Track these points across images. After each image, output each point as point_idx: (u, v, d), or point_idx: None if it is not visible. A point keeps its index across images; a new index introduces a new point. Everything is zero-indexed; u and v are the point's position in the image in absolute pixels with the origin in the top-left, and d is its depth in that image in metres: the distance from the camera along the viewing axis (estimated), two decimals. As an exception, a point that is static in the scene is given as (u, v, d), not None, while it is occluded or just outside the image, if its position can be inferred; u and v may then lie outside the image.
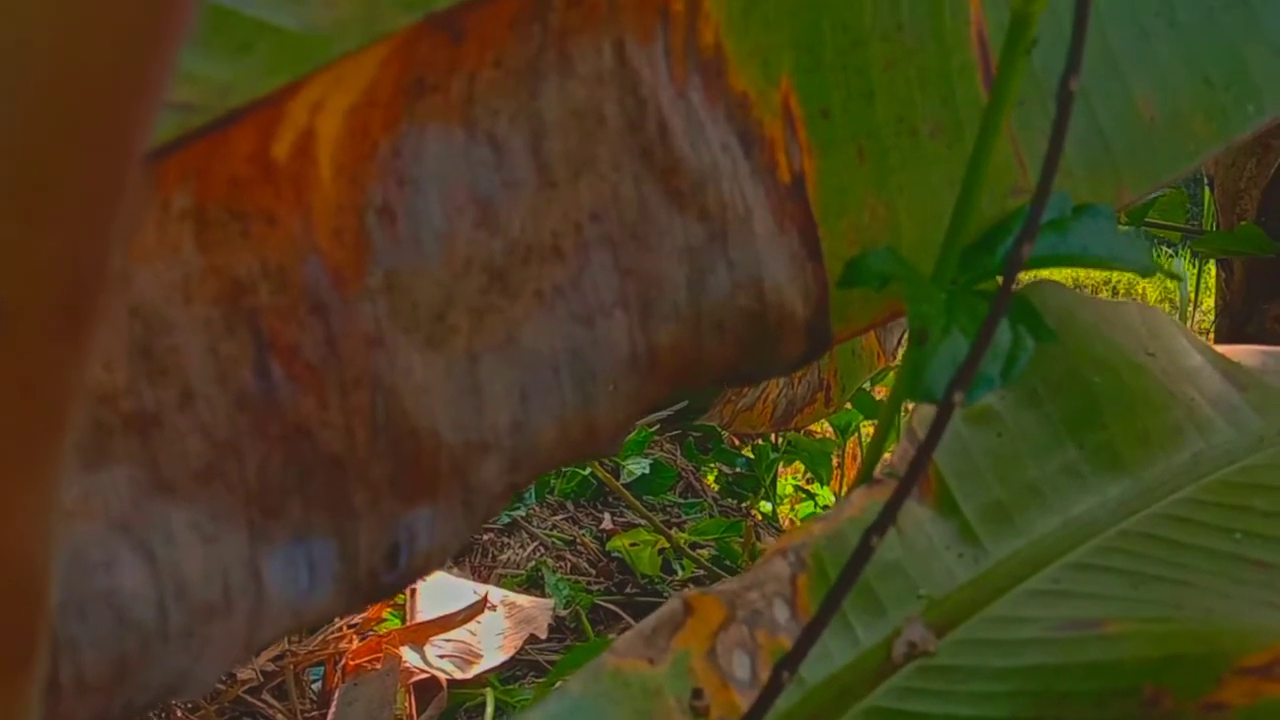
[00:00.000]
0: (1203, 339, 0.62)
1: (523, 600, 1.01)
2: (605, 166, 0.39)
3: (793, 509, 2.05)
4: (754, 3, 0.42)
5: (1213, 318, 1.55)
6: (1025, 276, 0.46)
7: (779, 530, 1.79)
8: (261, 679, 0.94)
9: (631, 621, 1.25)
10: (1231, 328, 1.46)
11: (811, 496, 1.87)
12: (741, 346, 0.41)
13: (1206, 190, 1.50)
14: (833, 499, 1.88)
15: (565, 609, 1.24)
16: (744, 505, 1.82)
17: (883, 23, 0.45)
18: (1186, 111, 0.51)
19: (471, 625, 0.94)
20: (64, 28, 0.13)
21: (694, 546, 1.38)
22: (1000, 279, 0.44)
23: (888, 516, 0.33)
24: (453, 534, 0.35)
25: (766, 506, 1.88)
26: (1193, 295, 1.82)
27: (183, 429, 0.31)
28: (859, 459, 2.12)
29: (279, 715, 0.95)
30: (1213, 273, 1.63)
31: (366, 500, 0.34)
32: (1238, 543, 0.42)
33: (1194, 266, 1.79)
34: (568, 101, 0.37)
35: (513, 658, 0.94)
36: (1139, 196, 0.50)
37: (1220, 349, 0.61)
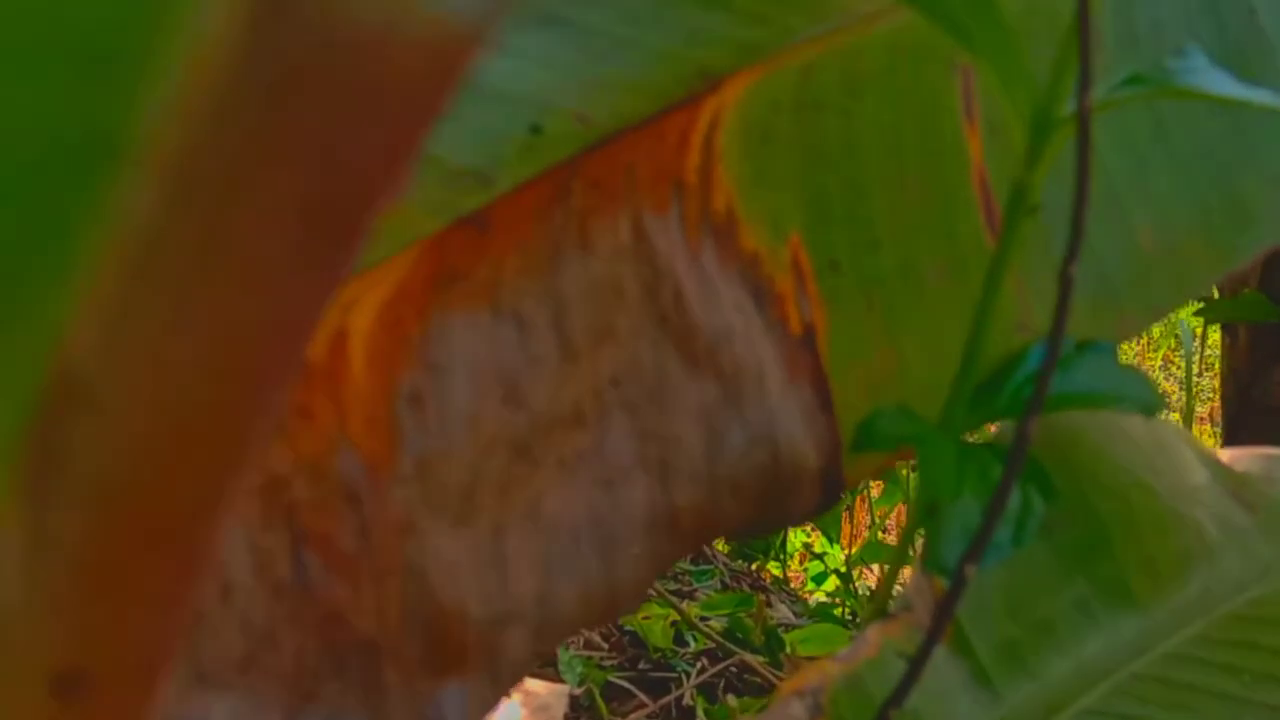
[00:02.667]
0: (1208, 446, 0.63)
1: (538, 686, 1.02)
2: (624, 334, 0.40)
3: (802, 565, 2.05)
4: (764, 167, 0.44)
5: (1218, 383, 1.56)
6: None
7: (791, 594, 1.79)
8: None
9: (646, 699, 1.26)
10: (1238, 392, 1.47)
11: (820, 557, 1.87)
12: (757, 502, 0.42)
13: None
14: (842, 558, 1.87)
15: (579, 687, 1.24)
16: (754, 567, 1.82)
17: (886, 175, 0.47)
18: (1185, 241, 0.53)
19: (490, 715, 0.94)
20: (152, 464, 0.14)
21: (705, 619, 1.39)
22: (1004, 416, 0.45)
23: (904, 690, 0.34)
24: (481, 706, 0.36)
25: (777, 568, 1.88)
26: (1198, 359, 1.82)
27: (223, 621, 0.33)
28: (869, 515, 2.12)
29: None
30: (1218, 332, 1.64)
31: (398, 679, 0.35)
32: (1247, 686, 0.43)
33: (1198, 328, 1.80)
34: (588, 277, 0.39)
35: (529, 745, 0.94)
36: (1140, 328, 0.52)
37: (1226, 454, 0.62)
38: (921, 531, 0.44)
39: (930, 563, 0.37)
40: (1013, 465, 0.37)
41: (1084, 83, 0.35)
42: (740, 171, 0.43)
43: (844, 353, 0.46)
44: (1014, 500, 0.39)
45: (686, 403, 0.41)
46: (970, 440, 0.43)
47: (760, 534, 0.44)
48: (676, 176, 0.41)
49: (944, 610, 0.34)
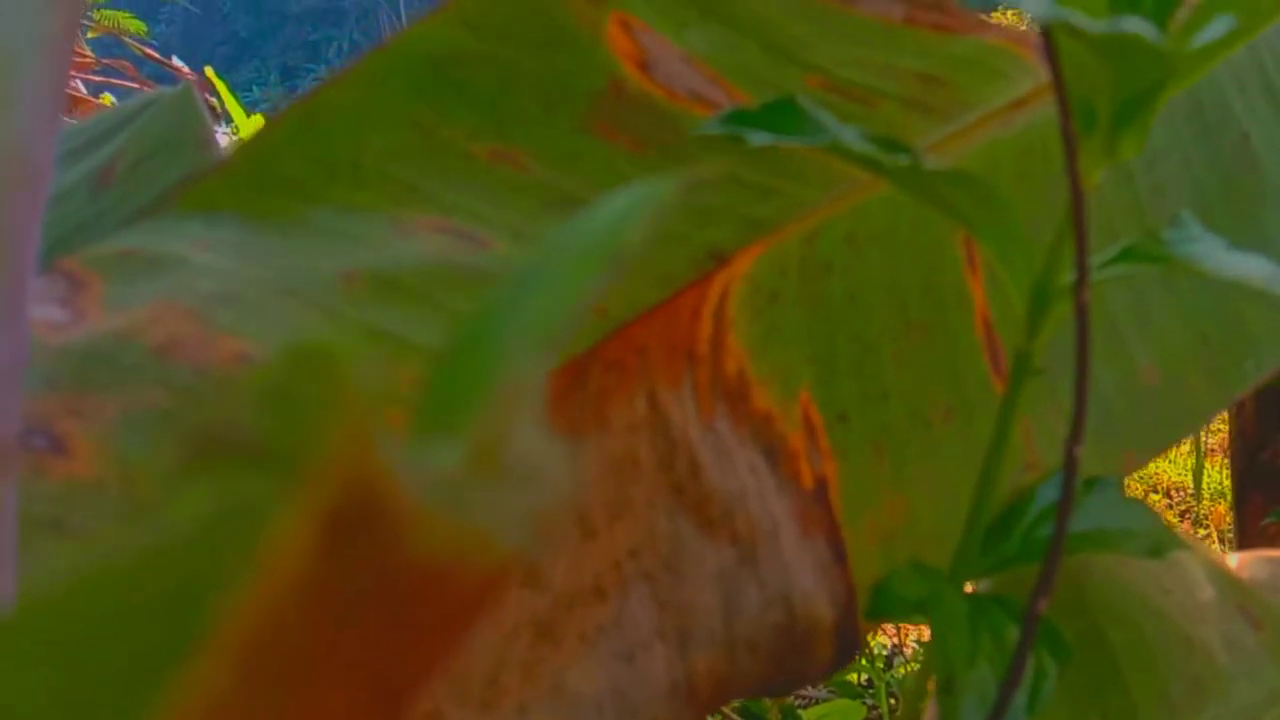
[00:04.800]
0: (1218, 554, 0.64)
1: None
2: (641, 505, 0.41)
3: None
4: (773, 326, 0.45)
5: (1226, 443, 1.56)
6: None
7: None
8: None
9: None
10: (1245, 455, 1.47)
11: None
12: (774, 661, 0.43)
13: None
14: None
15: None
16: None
17: (892, 325, 0.48)
18: (1187, 373, 0.54)
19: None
20: None
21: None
22: (1016, 563, 0.46)
23: None
24: None
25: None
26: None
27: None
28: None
29: None
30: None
31: None
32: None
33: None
34: (605, 454, 0.40)
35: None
36: (1144, 462, 0.53)
37: (1236, 560, 0.63)
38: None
39: (946, 739, 0.37)
40: (1027, 637, 0.38)
41: (1081, 276, 0.36)
42: (750, 333, 0.45)
43: (855, 502, 0.47)
44: (1028, 665, 0.40)
45: (703, 568, 0.42)
46: (983, 595, 0.44)
47: (777, 693, 0.45)
48: (689, 349, 0.42)
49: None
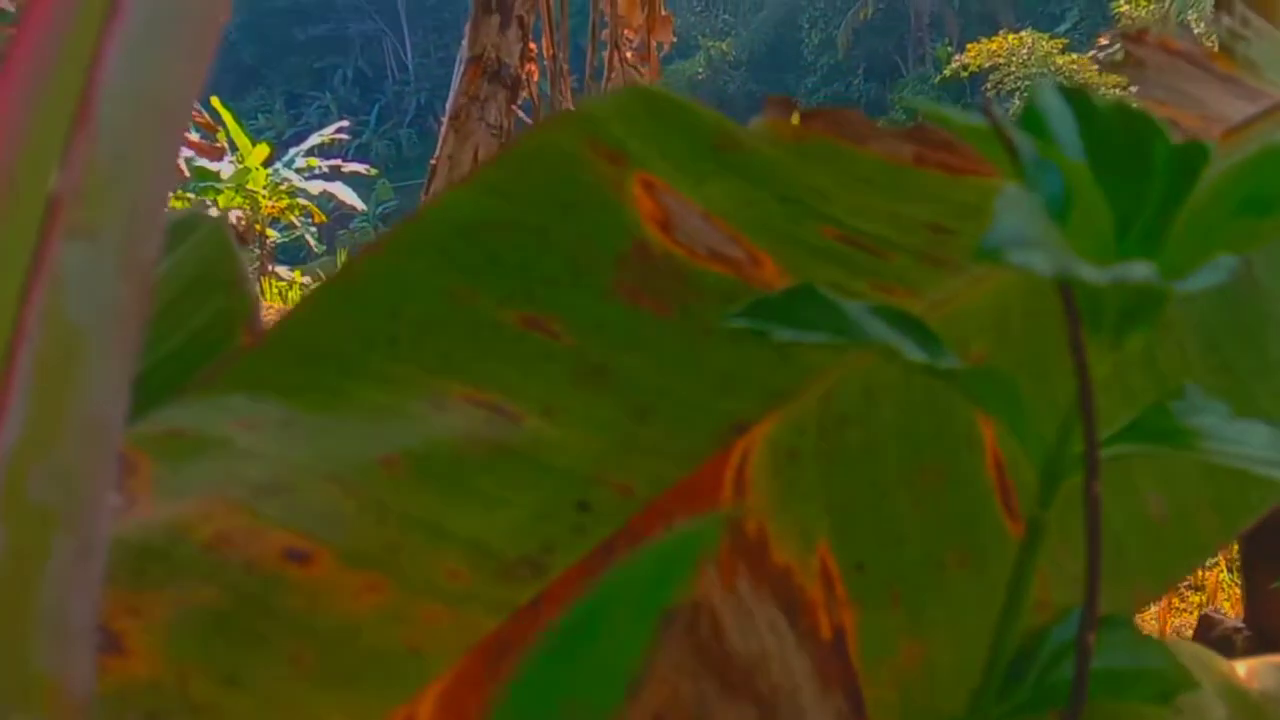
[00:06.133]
0: (1228, 666, 0.65)
1: None
2: (666, 670, 0.42)
3: None
4: (791, 482, 0.47)
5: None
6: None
7: None
8: None
9: None
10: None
11: None
12: (796, 817, 0.44)
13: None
14: None
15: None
16: None
17: (907, 471, 0.50)
18: (1195, 507, 0.55)
19: None
20: None
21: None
22: (1032, 710, 0.47)
23: None
24: None
25: None
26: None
27: None
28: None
29: None
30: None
31: None
32: None
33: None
34: (632, 624, 0.42)
35: None
36: (1154, 597, 0.54)
37: (1245, 669, 0.64)
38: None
39: None
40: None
41: (1091, 468, 0.37)
42: (769, 491, 0.46)
43: (873, 651, 0.48)
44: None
45: (727, 728, 0.43)
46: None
47: None
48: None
49: None
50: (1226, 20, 0.73)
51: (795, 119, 0.56)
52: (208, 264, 0.59)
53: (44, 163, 0.27)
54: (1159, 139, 0.40)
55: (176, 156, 0.29)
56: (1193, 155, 0.39)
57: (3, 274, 0.26)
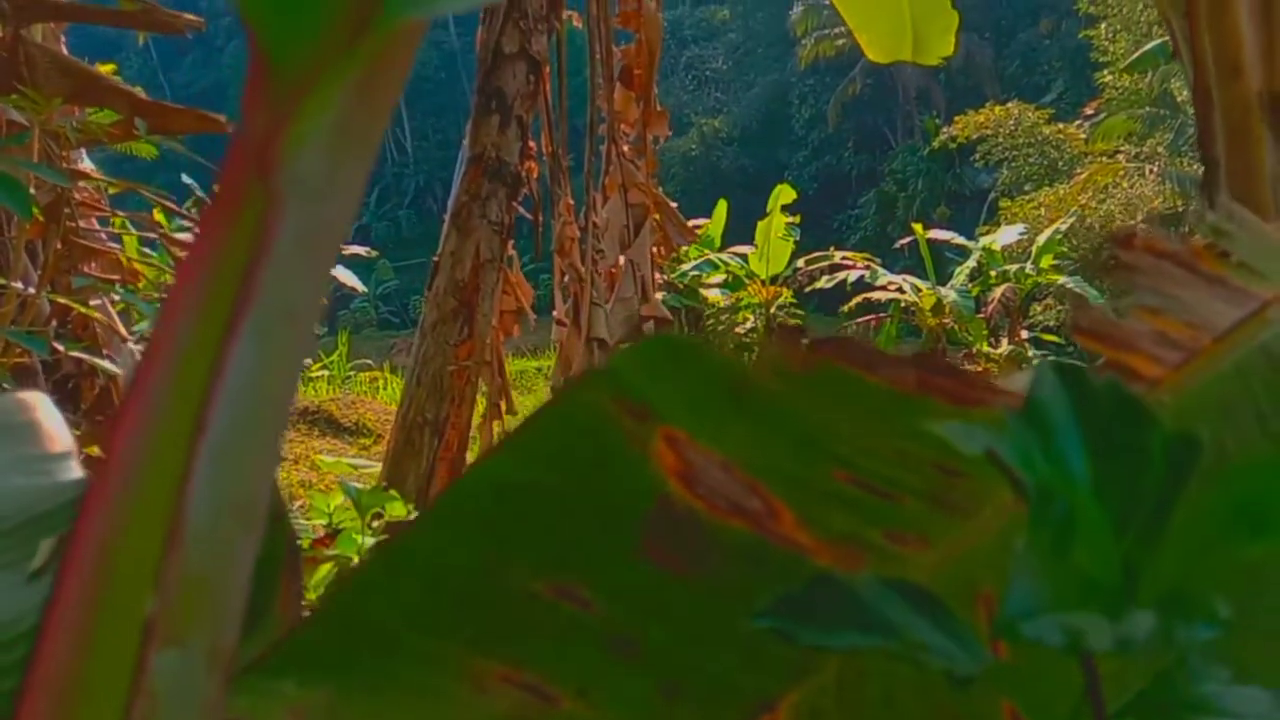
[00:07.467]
0: None
1: None
2: None
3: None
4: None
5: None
6: None
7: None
8: None
9: None
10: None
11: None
12: None
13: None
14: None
15: None
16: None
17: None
18: None
19: None
20: None
21: None
22: None
23: None
24: None
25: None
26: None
27: None
28: None
29: None
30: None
31: None
32: None
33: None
34: None
35: None
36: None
37: None
38: None
39: None
40: None
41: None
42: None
43: None
44: None
45: None
46: None
47: None
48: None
49: None
50: (1211, 216, 0.77)
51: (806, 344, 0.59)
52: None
53: (139, 583, 0.29)
54: (1155, 430, 0.43)
55: (255, 552, 0.32)
56: (1187, 449, 0.42)
57: (104, 694, 0.29)
